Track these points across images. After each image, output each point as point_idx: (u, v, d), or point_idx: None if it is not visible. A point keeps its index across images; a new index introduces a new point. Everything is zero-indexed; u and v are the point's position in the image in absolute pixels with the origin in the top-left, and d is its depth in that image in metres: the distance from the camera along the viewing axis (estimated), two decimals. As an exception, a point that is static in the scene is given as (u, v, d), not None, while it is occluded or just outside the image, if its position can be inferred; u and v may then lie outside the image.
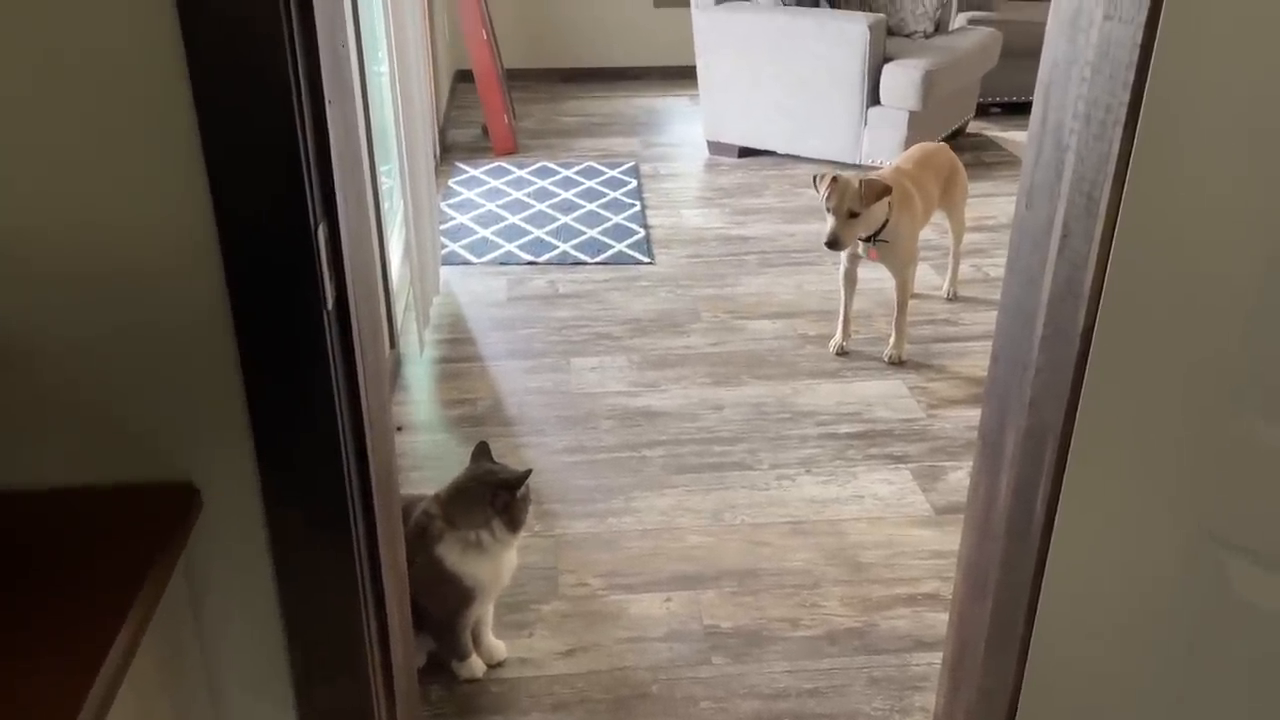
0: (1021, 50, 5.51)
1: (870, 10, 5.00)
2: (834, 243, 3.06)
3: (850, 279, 3.32)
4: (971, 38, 5.12)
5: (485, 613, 2.11)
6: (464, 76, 6.40)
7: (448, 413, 3.02)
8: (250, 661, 1.28)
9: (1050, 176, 1.29)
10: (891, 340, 3.31)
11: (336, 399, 1.14)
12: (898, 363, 3.27)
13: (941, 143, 3.77)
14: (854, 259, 3.27)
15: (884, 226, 3.13)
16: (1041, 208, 1.31)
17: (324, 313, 1.07)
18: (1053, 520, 1.30)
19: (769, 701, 2.03)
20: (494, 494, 1.95)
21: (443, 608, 1.99)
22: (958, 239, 3.67)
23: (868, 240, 3.16)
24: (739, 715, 2.00)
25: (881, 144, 4.75)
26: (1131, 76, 1.07)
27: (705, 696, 2.05)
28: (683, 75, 6.56)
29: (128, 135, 0.99)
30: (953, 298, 3.73)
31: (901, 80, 4.60)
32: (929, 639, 2.19)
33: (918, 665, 2.12)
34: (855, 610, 2.27)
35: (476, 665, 2.09)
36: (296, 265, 1.03)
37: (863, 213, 3.03)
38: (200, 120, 0.98)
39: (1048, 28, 1.21)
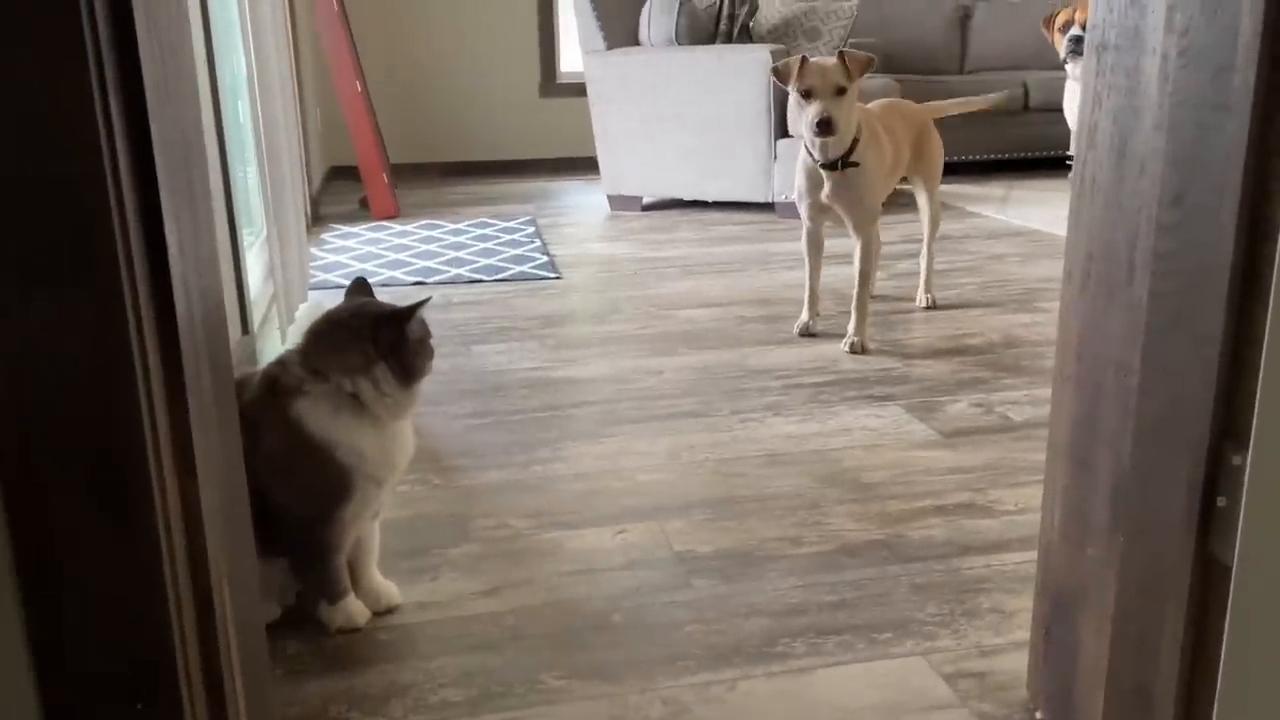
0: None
1: (768, 56, 4.82)
2: (826, 123, 2.49)
3: (815, 242, 2.80)
4: (871, 84, 4.98)
5: (369, 535, 1.47)
6: (338, 174, 6.00)
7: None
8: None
9: None
10: (851, 324, 2.69)
11: None
12: (860, 352, 2.63)
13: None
14: (818, 214, 2.74)
15: (853, 148, 2.60)
16: None
17: None
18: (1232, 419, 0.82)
19: (781, 619, 1.42)
20: (375, 328, 1.36)
21: (306, 501, 1.35)
22: (933, 224, 3.05)
23: (834, 167, 2.61)
24: (741, 636, 1.38)
25: (793, 179, 4.44)
26: None
27: (691, 620, 1.43)
28: (575, 165, 6.30)
29: None
30: (931, 305, 3.05)
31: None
32: (978, 544, 1.63)
33: (971, 569, 1.55)
34: (873, 525, 1.70)
35: (355, 609, 1.43)
36: None
37: (849, 89, 2.52)
38: None
39: None
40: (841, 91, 2.53)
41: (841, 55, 2.54)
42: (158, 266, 0.76)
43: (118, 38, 0.72)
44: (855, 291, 2.71)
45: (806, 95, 2.54)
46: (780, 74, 2.62)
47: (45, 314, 0.69)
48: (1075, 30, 3.97)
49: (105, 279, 0.70)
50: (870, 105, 2.93)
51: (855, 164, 2.62)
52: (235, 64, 3.07)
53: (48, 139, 0.67)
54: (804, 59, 2.55)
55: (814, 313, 2.82)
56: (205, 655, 0.84)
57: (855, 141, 2.61)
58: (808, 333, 2.79)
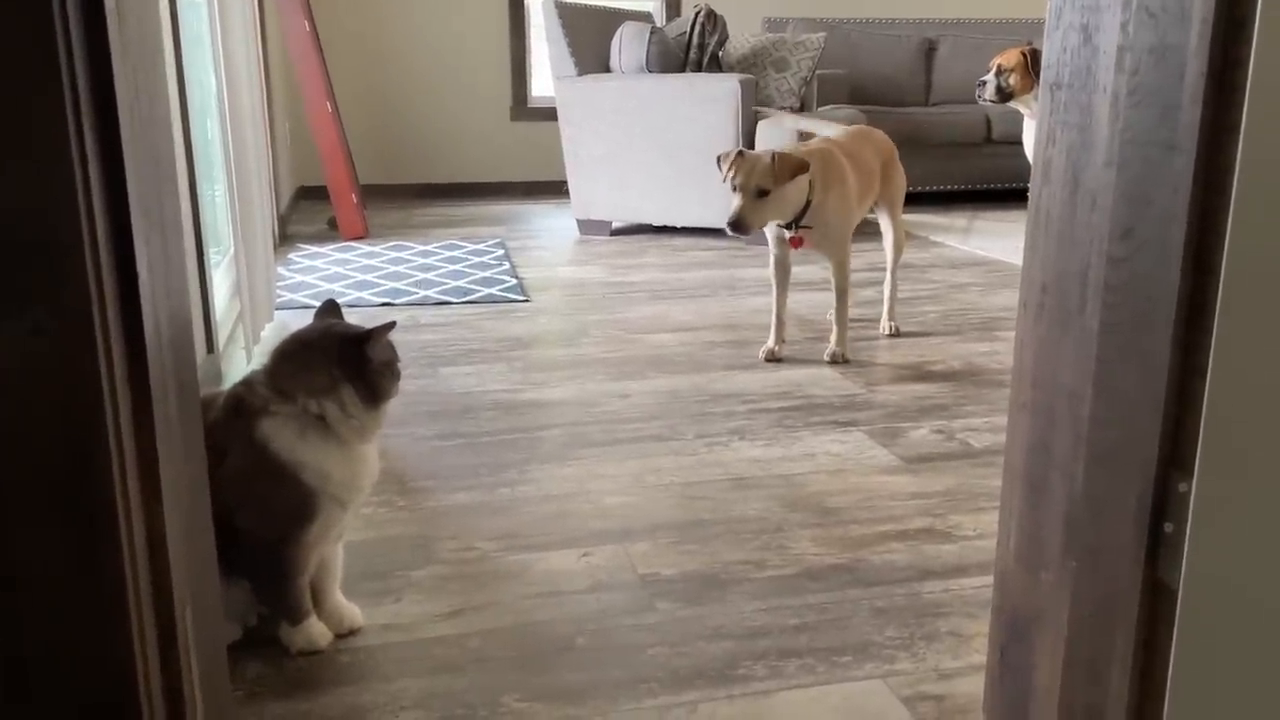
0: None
1: (737, 85, 4.88)
2: (737, 224, 2.58)
3: (782, 268, 2.83)
4: (838, 114, 5.05)
5: (332, 557, 1.47)
6: (308, 194, 5.99)
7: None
8: None
9: None
10: (833, 336, 2.82)
11: None
12: (841, 362, 2.77)
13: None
14: (783, 243, 2.82)
15: (805, 211, 2.68)
16: None
17: None
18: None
19: (743, 641, 1.43)
20: (341, 349, 1.37)
21: (270, 523, 1.34)
22: (897, 250, 3.11)
23: (786, 226, 2.74)
24: (704, 659, 1.39)
25: (762, 205, 4.50)
26: None
27: (654, 643, 1.44)
28: (545, 189, 6.33)
29: None
30: (895, 333, 3.08)
31: (776, 135, 4.41)
32: (938, 569, 1.65)
33: (931, 593, 1.57)
34: (835, 549, 1.72)
35: (317, 631, 1.43)
36: None
37: (774, 191, 2.58)
38: None
39: None
40: (764, 193, 2.58)
41: (774, 157, 2.58)
42: (127, 288, 0.76)
43: (91, 59, 0.73)
44: (834, 307, 2.84)
45: (735, 188, 2.60)
46: (719, 161, 2.68)
47: (13, 334, 0.69)
48: (986, 76, 4.02)
49: (74, 299, 0.70)
50: (838, 132, 3.00)
51: (808, 227, 2.70)
52: (205, 83, 3.07)
53: (19, 160, 0.68)
54: (740, 153, 2.61)
55: (780, 339, 2.85)
56: (167, 680, 0.84)
57: (808, 204, 2.67)
58: (774, 358, 2.82)
